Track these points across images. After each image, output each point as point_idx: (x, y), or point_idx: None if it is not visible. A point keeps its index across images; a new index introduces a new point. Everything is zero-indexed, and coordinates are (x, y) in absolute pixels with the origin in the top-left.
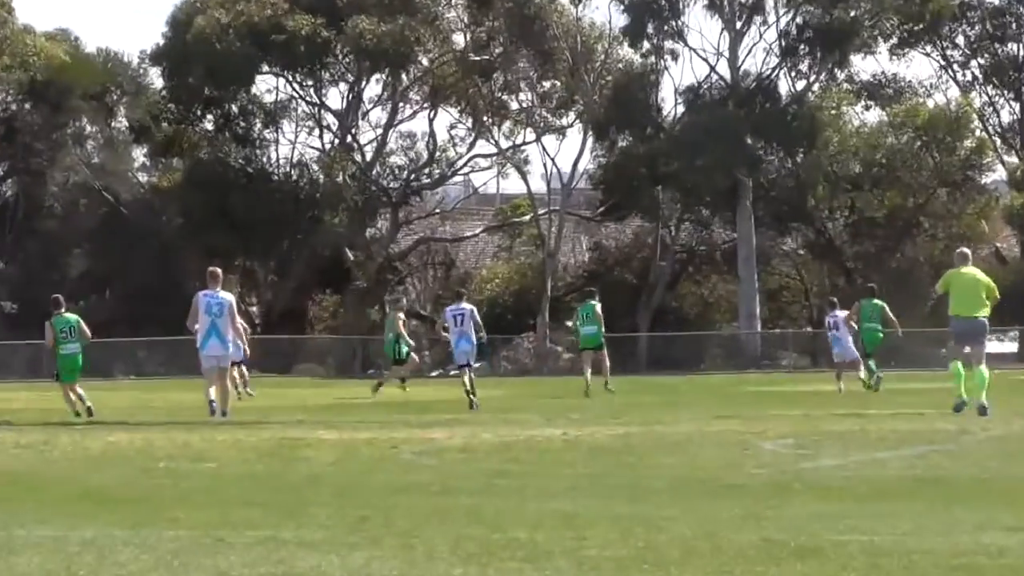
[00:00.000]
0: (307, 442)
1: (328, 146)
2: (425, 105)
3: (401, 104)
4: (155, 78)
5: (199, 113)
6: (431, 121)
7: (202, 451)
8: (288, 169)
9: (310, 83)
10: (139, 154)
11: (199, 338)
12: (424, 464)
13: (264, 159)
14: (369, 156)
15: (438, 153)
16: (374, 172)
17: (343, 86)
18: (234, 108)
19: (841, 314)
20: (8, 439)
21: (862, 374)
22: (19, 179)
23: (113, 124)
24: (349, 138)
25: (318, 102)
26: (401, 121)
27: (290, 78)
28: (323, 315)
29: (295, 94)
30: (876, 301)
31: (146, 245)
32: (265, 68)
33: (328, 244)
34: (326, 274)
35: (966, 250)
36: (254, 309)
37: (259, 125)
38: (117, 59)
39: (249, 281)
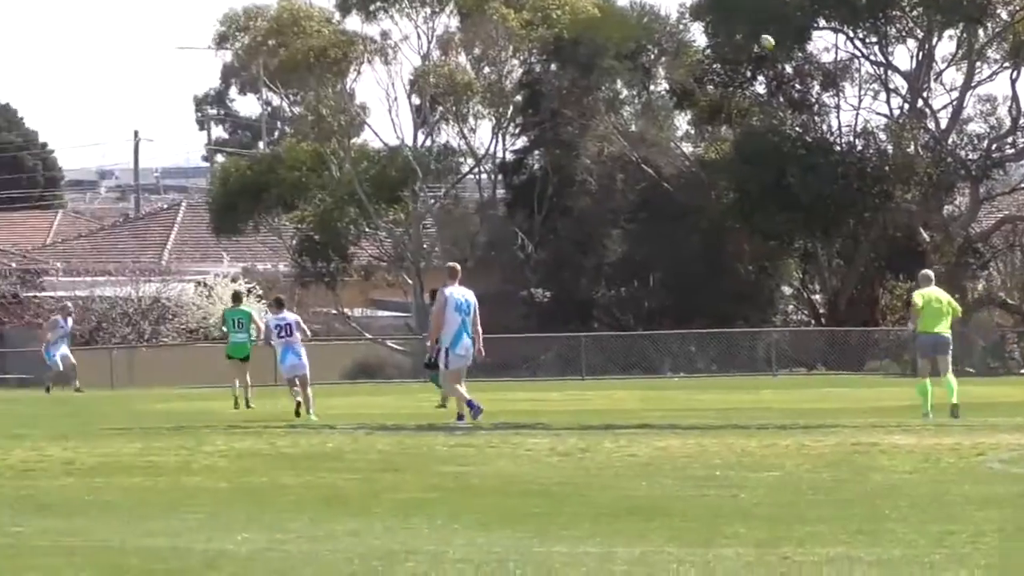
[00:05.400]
0: (881, 448)
1: (896, 112)
2: (1006, 65)
3: (978, 64)
4: (697, 35)
5: (748, 75)
6: (1013, 83)
7: (762, 458)
8: (851, 138)
9: (874, 40)
10: (682, 122)
11: (449, 337)
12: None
13: (824, 127)
14: (944, 123)
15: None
16: (950, 141)
17: (911, 43)
18: (788, 69)
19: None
20: (543, 445)
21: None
22: (547, 151)
23: (651, 88)
24: (920, 103)
25: (883, 62)
26: (979, 83)
27: (851, 34)
28: (896, 304)
29: (857, 52)
30: None
31: (691, 226)
32: (822, 23)
33: (899, 223)
34: (897, 257)
35: None
36: (817, 297)
37: (817, 88)
38: (652, 13)
39: (811, 266)
